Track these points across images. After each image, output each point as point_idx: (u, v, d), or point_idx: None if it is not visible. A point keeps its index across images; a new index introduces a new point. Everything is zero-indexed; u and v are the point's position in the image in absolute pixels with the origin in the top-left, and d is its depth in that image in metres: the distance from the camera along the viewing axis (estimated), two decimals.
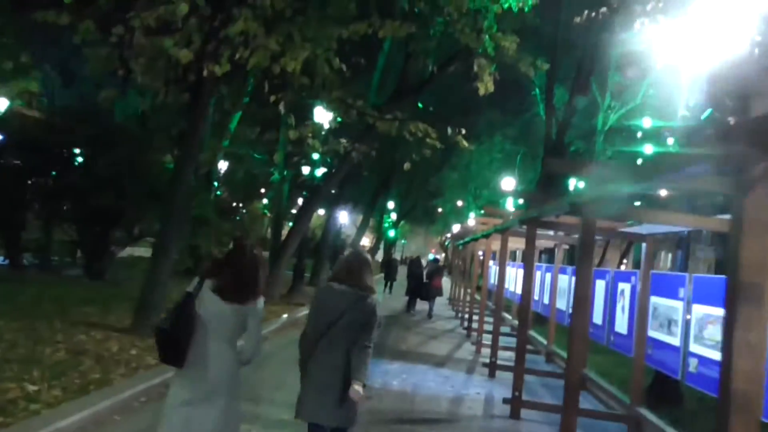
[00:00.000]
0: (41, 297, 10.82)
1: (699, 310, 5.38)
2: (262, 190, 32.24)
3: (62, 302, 10.56)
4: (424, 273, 19.93)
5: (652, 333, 6.39)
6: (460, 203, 38.55)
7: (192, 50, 7.48)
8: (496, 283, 12.48)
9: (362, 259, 3.95)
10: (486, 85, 10.96)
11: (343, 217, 37.38)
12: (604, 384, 7.40)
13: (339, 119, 13.50)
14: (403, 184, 37.43)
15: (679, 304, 5.79)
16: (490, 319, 12.90)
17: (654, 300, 6.44)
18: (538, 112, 22.10)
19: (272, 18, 7.85)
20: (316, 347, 3.74)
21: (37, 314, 9.08)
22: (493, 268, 15.95)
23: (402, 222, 51.85)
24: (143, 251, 19.61)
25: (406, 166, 14.54)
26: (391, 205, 43.58)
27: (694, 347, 5.37)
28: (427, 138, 12.40)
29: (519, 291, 10.11)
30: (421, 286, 19.47)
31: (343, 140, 14.20)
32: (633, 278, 7.07)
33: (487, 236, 13.01)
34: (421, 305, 19.50)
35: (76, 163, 15.66)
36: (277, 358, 8.82)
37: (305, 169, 21.08)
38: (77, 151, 15.50)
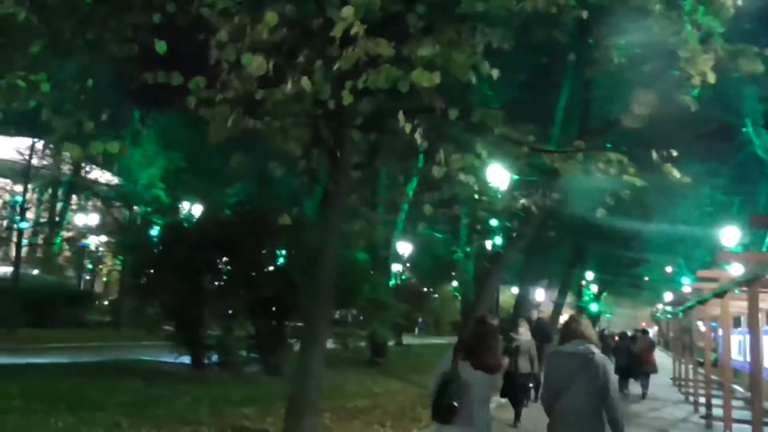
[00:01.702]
0: (202, 398, 10.55)
1: None
2: (453, 273, 32.95)
3: (221, 403, 10.28)
4: (634, 348, 18.80)
5: None
6: (669, 269, 35.93)
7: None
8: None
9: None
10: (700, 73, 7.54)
11: (539, 294, 36.73)
12: None
13: (515, 176, 11.85)
14: (601, 249, 35.96)
15: None
16: (737, 403, 11.59)
17: None
18: (754, 149, 20.26)
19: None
20: None
21: (188, 419, 8.86)
22: (736, 337, 14.53)
23: (604, 294, 49.25)
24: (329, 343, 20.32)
25: (600, 213, 11.74)
26: (590, 276, 41.69)
27: None
28: (623, 173, 9.34)
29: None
30: (632, 364, 18.11)
31: (517, 194, 12.04)
32: None
33: (703, 302, 12.32)
34: (634, 387, 17.99)
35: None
36: None
37: (488, 244, 20.55)
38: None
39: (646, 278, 42.15)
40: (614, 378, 4.50)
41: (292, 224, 10.31)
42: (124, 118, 26.65)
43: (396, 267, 34.72)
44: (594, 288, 45.94)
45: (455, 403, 4.37)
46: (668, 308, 44.71)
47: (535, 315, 30.03)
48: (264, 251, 15.45)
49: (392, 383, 14.59)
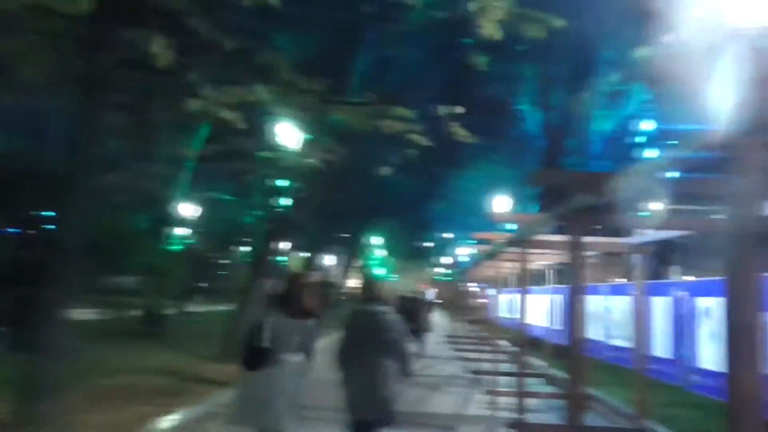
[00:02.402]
0: None
1: None
2: (244, 239, 31.90)
3: None
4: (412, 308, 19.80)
5: None
6: (449, 235, 38.71)
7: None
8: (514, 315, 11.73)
9: None
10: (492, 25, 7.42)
11: (329, 259, 37.24)
12: (607, 399, 7.43)
13: (307, 136, 10.95)
14: (388, 215, 37.44)
15: None
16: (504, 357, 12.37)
17: None
18: (528, 128, 22.24)
19: None
20: None
21: None
22: (505, 297, 15.80)
23: (391, 259, 51.78)
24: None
25: (385, 170, 11.49)
26: (378, 241, 43.32)
27: None
28: (410, 132, 9.42)
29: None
30: (410, 323, 19.28)
31: (307, 153, 11.67)
32: None
33: (477, 263, 13.11)
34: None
35: None
36: None
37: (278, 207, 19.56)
38: None
39: (430, 244, 45.15)
40: (404, 330, 5.10)
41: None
42: None
43: (180, 231, 32.57)
44: (381, 252, 47.96)
45: (265, 347, 4.63)
46: (446, 271, 48.51)
47: (317, 277, 30.47)
48: (13, 209, 13.42)
49: (167, 356, 13.43)
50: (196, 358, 12.70)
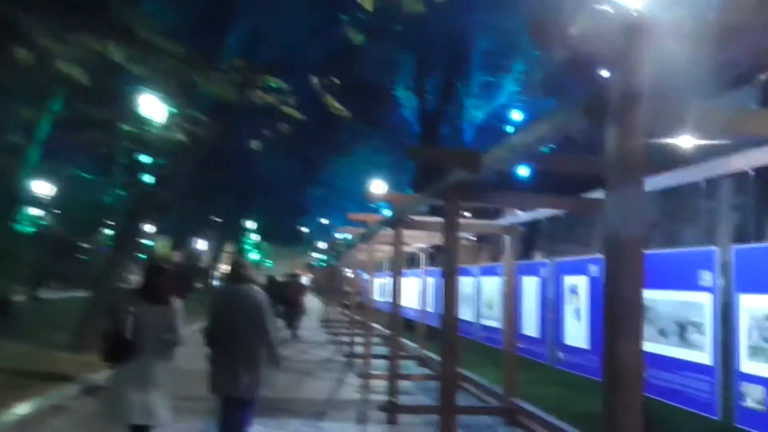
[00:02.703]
0: None
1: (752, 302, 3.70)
2: (107, 221, 29.69)
3: None
4: (286, 292, 19.38)
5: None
6: (325, 221, 38.45)
7: None
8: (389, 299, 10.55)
9: None
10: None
11: (201, 244, 35.69)
12: (478, 379, 7.57)
13: (173, 110, 10.06)
14: (263, 198, 36.43)
15: (704, 297, 4.09)
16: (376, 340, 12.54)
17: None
18: (405, 114, 22.41)
19: None
20: None
21: None
22: (378, 280, 15.79)
23: (264, 243, 50.76)
24: None
25: (256, 144, 10.87)
26: (251, 225, 42.10)
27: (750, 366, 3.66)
28: (284, 104, 8.98)
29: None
30: (283, 307, 18.45)
31: (174, 126, 10.83)
32: (593, 267, 5.37)
33: (352, 246, 12.98)
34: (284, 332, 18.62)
35: None
36: None
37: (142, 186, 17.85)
38: None
39: (305, 229, 44.67)
40: (270, 312, 5.15)
41: None
42: None
43: (34, 211, 30.03)
44: (255, 237, 46.83)
45: (129, 338, 4.55)
46: (321, 256, 48.31)
47: (181, 262, 29.13)
48: None
49: (11, 345, 12.12)
50: (49, 347, 11.62)
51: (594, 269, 5.26)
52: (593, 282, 5.38)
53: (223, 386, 4.98)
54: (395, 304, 8.25)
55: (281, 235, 48.23)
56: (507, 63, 20.03)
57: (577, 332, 5.53)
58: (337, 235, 25.76)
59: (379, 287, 15.68)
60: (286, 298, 18.57)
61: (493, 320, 7.66)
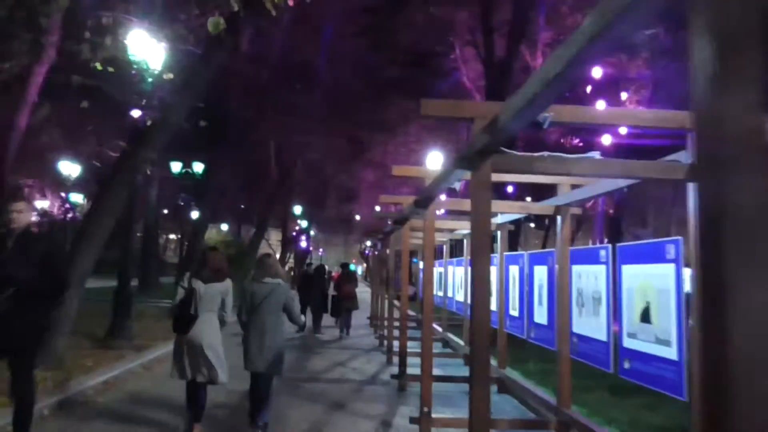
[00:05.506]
0: None
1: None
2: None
3: None
4: (332, 283, 18.45)
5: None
6: (378, 208, 37.39)
7: None
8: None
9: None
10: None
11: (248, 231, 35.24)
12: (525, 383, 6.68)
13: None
14: (308, 182, 35.11)
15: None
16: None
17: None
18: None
19: None
20: None
21: None
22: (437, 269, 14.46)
23: (312, 230, 49.60)
24: None
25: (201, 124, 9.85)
26: (297, 210, 40.57)
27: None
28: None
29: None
30: (327, 300, 17.57)
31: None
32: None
33: (390, 233, 12.08)
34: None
35: None
36: None
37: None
38: None
39: (357, 216, 43.61)
40: (293, 296, 6.88)
41: None
42: None
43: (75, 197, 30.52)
44: (302, 223, 45.77)
45: (192, 313, 5.90)
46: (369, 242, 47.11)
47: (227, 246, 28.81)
48: None
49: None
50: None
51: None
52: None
53: (251, 363, 6.15)
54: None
55: (330, 220, 47.11)
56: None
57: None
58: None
59: (438, 278, 14.15)
60: (337, 292, 17.30)
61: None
